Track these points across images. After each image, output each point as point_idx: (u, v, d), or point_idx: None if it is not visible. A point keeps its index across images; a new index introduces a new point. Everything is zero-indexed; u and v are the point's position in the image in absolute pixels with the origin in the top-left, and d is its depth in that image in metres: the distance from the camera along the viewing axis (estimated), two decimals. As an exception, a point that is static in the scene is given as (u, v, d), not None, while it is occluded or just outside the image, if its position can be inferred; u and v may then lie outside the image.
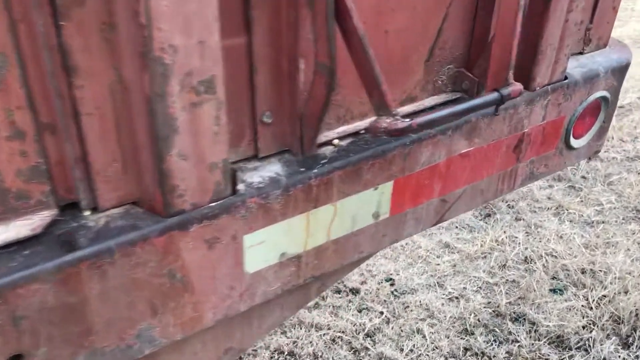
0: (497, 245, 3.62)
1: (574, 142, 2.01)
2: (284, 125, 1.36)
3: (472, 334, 2.97)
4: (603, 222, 3.79)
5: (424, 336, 2.94)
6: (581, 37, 1.95)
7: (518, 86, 1.51)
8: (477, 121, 1.63)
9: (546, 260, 3.44)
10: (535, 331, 2.97)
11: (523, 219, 3.85)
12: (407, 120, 1.25)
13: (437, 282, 3.34)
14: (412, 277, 3.38)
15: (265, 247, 1.34)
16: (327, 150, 1.44)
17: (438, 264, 3.47)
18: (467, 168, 1.70)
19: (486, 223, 3.85)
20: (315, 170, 1.35)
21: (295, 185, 1.33)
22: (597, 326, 2.97)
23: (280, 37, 1.24)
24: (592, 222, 3.80)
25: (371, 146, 1.45)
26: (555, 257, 3.48)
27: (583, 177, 4.31)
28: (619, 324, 2.97)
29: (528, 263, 3.46)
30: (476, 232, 3.75)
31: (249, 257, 1.32)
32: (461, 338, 2.94)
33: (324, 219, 1.42)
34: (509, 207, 3.99)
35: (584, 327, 2.97)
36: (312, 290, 1.60)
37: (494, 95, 1.48)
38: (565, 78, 1.84)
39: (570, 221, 3.82)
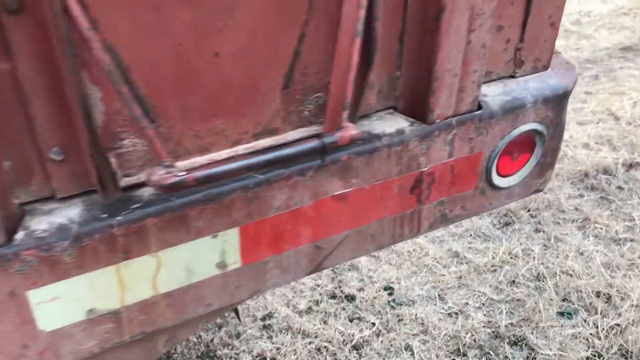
0: (510, 258, 3.41)
1: (499, 181, 1.75)
2: (84, 162, 1.19)
3: (465, 355, 2.81)
4: (631, 240, 3.49)
5: (413, 354, 2.81)
6: (510, 58, 1.69)
7: (350, 132, 1.29)
8: (350, 160, 1.42)
9: (559, 279, 3.21)
10: (533, 358, 2.77)
11: (543, 231, 3.61)
12: (182, 174, 1.10)
13: (439, 295, 3.18)
14: (413, 286, 3.24)
15: (62, 303, 1.19)
16: (147, 192, 1.25)
17: (443, 275, 3.31)
18: (346, 211, 1.50)
19: (503, 232, 3.63)
20: (120, 217, 1.18)
21: (92, 234, 1.16)
22: (603, 359, 2.75)
23: (56, 64, 1.08)
24: (619, 240, 3.51)
25: (201, 189, 1.25)
26: (571, 275, 3.24)
27: (619, 187, 3.99)
28: (627, 358, 2.74)
29: (539, 281, 3.24)
30: (490, 242, 3.54)
31: (42, 315, 1.18)
32: (452, 359, 2.80)
33: (144, 271, 1.26)
34: (531, 217, 3.75)
35: (587, 359, 2.75)
36: (159, 343, 1.47)
37: (313, 143, 1.27)
38: (480, 108, 1.59)
39: (595, 236, 3.55)
